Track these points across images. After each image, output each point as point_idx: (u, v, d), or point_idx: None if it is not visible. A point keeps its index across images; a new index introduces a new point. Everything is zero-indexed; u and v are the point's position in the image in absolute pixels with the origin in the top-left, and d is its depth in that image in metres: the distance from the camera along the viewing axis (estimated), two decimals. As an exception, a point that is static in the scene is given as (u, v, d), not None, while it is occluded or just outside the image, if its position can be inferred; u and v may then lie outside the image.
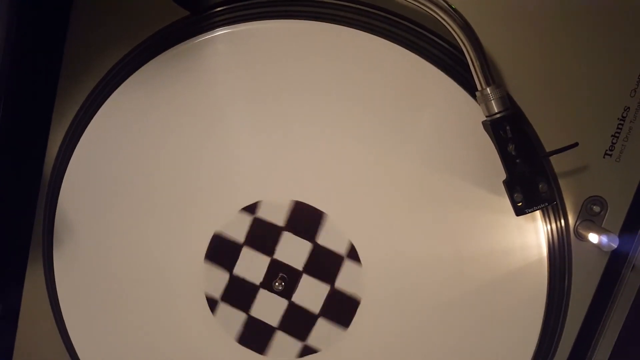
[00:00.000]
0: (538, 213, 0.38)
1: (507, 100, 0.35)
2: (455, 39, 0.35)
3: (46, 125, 0.41)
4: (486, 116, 0.35)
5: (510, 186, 0.35)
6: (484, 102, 0.35)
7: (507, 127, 0.34)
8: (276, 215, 0.40)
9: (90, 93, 0.41)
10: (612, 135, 0.38)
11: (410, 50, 0.37)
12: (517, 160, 0.35)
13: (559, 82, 0.37)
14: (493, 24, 0.37)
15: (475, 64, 0.34)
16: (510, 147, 0.35)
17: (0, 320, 0.45)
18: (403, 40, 0.38)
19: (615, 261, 0.39)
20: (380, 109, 0.38)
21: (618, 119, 0.38)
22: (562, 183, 0.38)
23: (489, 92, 0.34)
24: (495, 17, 0.37)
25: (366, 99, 0.38)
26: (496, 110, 0.34)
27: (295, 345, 0.41)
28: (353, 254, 0.40)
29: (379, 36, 0.38)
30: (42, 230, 0.42)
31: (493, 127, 0.35)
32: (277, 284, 0.40)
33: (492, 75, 0.35)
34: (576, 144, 0.35)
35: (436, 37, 0.38)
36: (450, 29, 0.35)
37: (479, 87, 0.35)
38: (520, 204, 0.35)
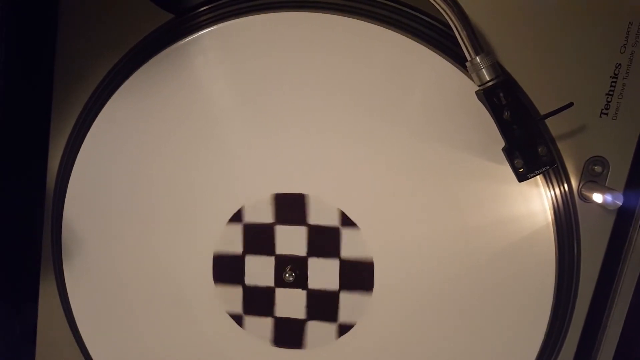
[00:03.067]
0: (540, 178, 0.38)
1: (498, 68, 0.35)
2: (440, 13, 0.35)
3: (45, 140, 0.42)
4: (478, 86, 0.35)
5: (510, 153, 0.35)
6: (475, 71, 0.35)
7: (501, 94, 0.35)
8: (262, 214, 0.40)
9: (86, 104, 0.41)
10: (606, 94, 0.38)
11: (395, 30, 0.37)
12: (514, 127, 0.35)
13: (547, 46, 0.37)
14: (476, -5, 0.37)
15: (462, 34, 0.34)
16: (506, 114, 0.35)
17: (19, 340, 0.45)
18: (387, 21, 0.38)
19: (623, 219, 0.39)
20: (370, 92, 0.38)
21: (610, 77, 0.38)
22: (561, 146, 0.38)
23: (479, 61, 0.34)
24: (478, -13, 0.37)
25: (354, 84, 0.38)
26: (488, 79, 0.35)
27: (330, 328, 0.41)
28: (346, 221, 0.40)
29: (362, 19, 0.38)
30: (51, 244, 0.42)
31: (487, 95, 0.35)
32: (287, 275, 0.40)
33: (480, 44, 0.35)
34: (571, 104, 0.35)
35: (420, 13, 0.38)
36: (436, 4, 0.35)
37: (468, 57, 0.35)
38: (521, 169, 0.35)
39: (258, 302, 0.41)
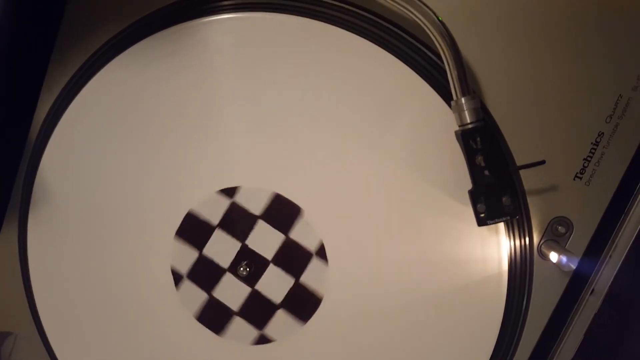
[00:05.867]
0: (502, 227, 0.38)
1: (480, 112, 0.35)
2: (437, 48, 0.35)
3: (37, 89, 0.42)
4: (459, 126, 0.36)
5: (475, 196, 0.36)
6: (458, 111, 0.35)
7: (478, 139, 0.35)
8: (254, 203, 0.41)
9: (84, 63, 0.42)
10: (584, 159, 0.38)
11: (398, 58, 0.38)
12: (485, 172, 0.36)
13: (537, 100, 0.38)
14: (478, 37, 0.38)
15: (453, 74, 0.35)
16: (479, 159, 0.35)
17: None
18: (392, 47, 0.39)
19: (577, 284, 0.39)
20: (363, 111, 0.39)
21: (591, 143, 0.38)
22: (530, 200, 0.39)
23: (463, 102, 0.35)
24: (481, 30, 0.38)
25: (351, 101, 0.39)
26: (468, 121, 0.35)
27: (252, 332, 0.42)
28: (321, 253, 0.40)
29: (368, 40, 0.38)
30: (21, 192, 0.43)
31: (464, 137, 0.35)
32: (241, 268, 0.41)
33: (468, 86, 0.35)
34: (543, 162, 0.36)
35: (419, 42, 0.38)
36: (434, 40, 0.35)
37: (454, 97, 0.35)
38: (483, 214, 0.36)
39: (205, 274, 0.42)
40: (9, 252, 0.44)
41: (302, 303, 0.41)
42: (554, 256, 0.38)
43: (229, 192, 0.41)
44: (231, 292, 0.42)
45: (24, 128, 0.43)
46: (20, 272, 0.44)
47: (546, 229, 0.39)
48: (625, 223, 0.37)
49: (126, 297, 0.43)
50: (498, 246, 0.38)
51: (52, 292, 0.43)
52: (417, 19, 0.35)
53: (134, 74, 0.40)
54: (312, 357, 0.42)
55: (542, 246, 0.39)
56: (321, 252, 0.40)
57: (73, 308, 0.43)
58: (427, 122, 0.38)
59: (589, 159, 0.38)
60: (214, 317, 0.42)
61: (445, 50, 0.35)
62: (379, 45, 0.38)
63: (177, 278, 0.42)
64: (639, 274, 0.42)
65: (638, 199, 0.37)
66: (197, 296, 0.42)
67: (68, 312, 0.43)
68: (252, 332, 0.42)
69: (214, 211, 0.41)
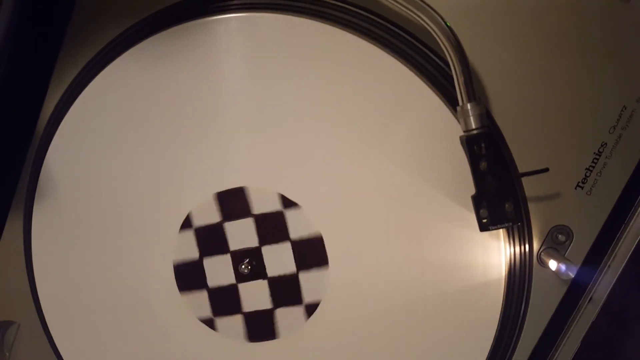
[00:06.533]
0: (503, 233, 0.39)
1: (485, 118, 0.36)
2: (444, 53, 0.36)
3: (45, 84, 0.43)
4: (464, 131, 0.36)
5: (478, 202, 0.36)
6: (463, 117, 0.36)
7: (482, 144, 0.35)
8: (209, 215, 0.41)
9: (92, 59, 0.42)
10: (586, 168, 0.39)
11: (403, 62, 0.38)
12: (489, 178, 0.36)
13: (541, 108, 0.38)
14: (484, 44, 0.38)
15: (459, 79, 0.35)
16: (483, 164, 0.36)
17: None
18: (397, 51, 0.39)
19: (575, 293, 0.40)
20: (365, 112, 0.39)
21: (594, 153, 0.38)
22: (531, 208, 0.39)
23: (469, 107, 0.35)
24: (487, 37, 0.38)
25: (353, 102, 0.39)
26: (474, 127, 0.36)
27: (298, 310, 0.42)
28: (286, 202, 0.40)
29: (373, 43, 0.39)
30: (27, 184, 0.43)
31: (468, 142, 0.36)
32: (243, 267, 0.41)
33: (474, 92, 0.36)
34: (547, 169, 0.36)
35: (425, 47, 0.39)
36: (441, 45, 0.36)
37: (460, 102, 0.36)
38: (485, 220, 0.36)
39: (225, 301, 0.42)
40: (14, 242, 0.44)
41: (311, 252, 0.41)
42: (553, 264, 0.38)
43: (187, 223, 0.41)
44: (255, 295, 0.42)
45: (31, 122, 0.43)
46: (24, 262, 0.44)
47: (546, 236, 0.39)
48: (625, 234, 0.38)
49: (128, 291, 0.43)
50: (498, 252, 0.39)
51: (54, 283, 0.44)
52: (424, 24, 0.36)
53: (139, 71, 0.40)
54: (313, 354, 0.42)
55: (542, 253, 0.39)
56: (286, 202, 0.40)
57: (75, 299, 0.44)
58: (430, 126, 0.39)
59: (591, 168, 0.39)
60: (261, 327, 0.42)
61: (452, 56, 0.35)
62: (384, 49, 0.38)
63: (209, 323, 0.43)
64: (637, 284, 0.42)
65: (638, 211, 0.37)
66: (235, 324, 0.43)
67: (70, 303, 0.44)
68: (299, 310, 0.42)
69: (189, 248, 0.42)
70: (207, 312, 0.43)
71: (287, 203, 0.40)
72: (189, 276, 0.42)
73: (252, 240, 0.41)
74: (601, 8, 0.37)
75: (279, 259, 0.41)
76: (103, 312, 0.44)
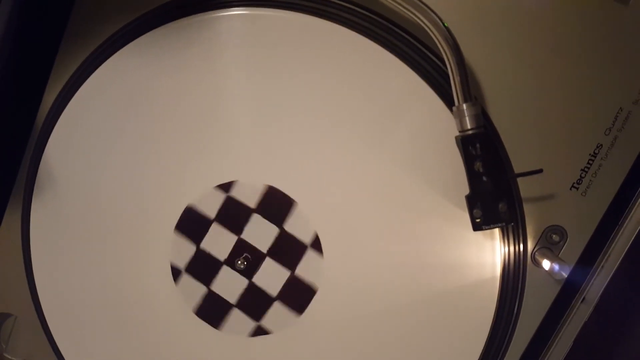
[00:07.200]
0: (497, 233, 0.39)
1: (481, 119, 0.36)
2: (441, 53, 0.36)
3: (45, 77, 0.43)
4: (459, 131, 0.36)
5: (472, 202, 0.36)
6: (459, 117, 0.36)
7: (477, 145, 0.36)
8: (249, 196, 0.41)
9: (92, 52, 0.42)
10: (581, 170, 0.39)
11: (402, 61, 0.39)
12: (483, 178, 0.36)
13: (538, 109, 0.38)
14: (482, 45, 0.38)
15: (455, 79, 0.36)
16: (478, 165, 0.36)
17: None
18: (397, 50, 0.39)
19: (568, 293, 0.40)
20: (365, 111, 0.39)
21: (590, 154, 0.39)
22: (526, 208, 0.39)
23: (465, 108, 0.36)
24: (485, 38, 0.38)
25: (353, 100, 0.39)
26: (469, 127, 0.36)
27: (249, 324, 0.43)
28: (316, 245, 0.41)
29: (374, 41, 0.39)
30: (25, 177, 0.44)
31: (464, 142, 0.36)
32: (239, 262, 0.42)
33: (470, 92, 0.36)
34: (541, 170, 0.36)
35: (424, 46, 0.39)
36: (438, 45, 0.36)
37: (456, 102, 0.36)
38: (478, 220, 0.36)
39: (203, 267, 0.43)
40: (12, 235, 0.45)
41: (298, 295, 0.42)
42: (546, 264, 0.38)
43: (225, 187, 0.41)
44: (229, 285, 0.42)
45: (31, 116, 0.43)
46: (22, 255, 0.45)
47: (541, 236, 0.39)
48: (619, 235, 0.38)
49: (125, 286, 0.44)
50: (492, 251, 0.39)
51: (52, 276, 0.44)
52: (422, 24, 0.36)
53: (138, 66, 0.41)
54: (309, 348, 0.42)
55: (536, 253, 0.40)
56: (316, 244, 0.41)
57: (73, 291, 0.44)
58: (427, 125, 0.39)
59: (586, 169, 0.39)
60: (213, 310, 0.43)
61: (449, 56, 0.36)
62: (384, 47, 0.39)
63: (176, 273, 0.43)
64: (630, 285, 0.43)
65: (633, 212, 0.38)
66: (196, 290, 0.43)
67: (67, 295, 0.44)
68: (250, 324, 0.43)
69: (211, 205, 0.42)
70: (182, 262, 0.43)
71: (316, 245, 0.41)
72: (192, 225, 0.42)
73: (263, 245, 0.42)
74: (598, 10, 0.37)
75: (271, 277, 0.42)
76: (100, 304, 0.44)
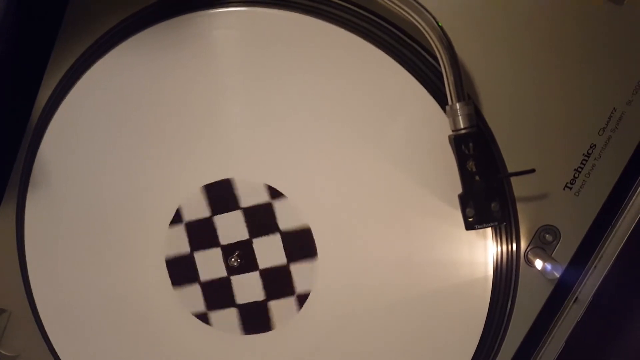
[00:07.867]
0: (490, 232, 0.39)
1: (474, 118, 0.36)
2: (435, 52, 0.36)
3: (40, 73, 0.43)
4: (452, 130, 0.36)
5: (464, 201, 0.36)
6: (452, 116, 0.36)
7: (470, 144, 0.36)
8: (199, 209, 0.41)
9: (87, 49, 0.42)
10: (575, 169, 0.39)
11: (396, 61, 0.39)
12: (476, 177, 0.36)
13: (532, 109, 0.38)
14: (476, 45, 0.38)
15: (449, 78, 0.36)
16: (470, 164, 0.36)
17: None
18: (392, 50, 0.39)
19: (561, 292, 0.40)
20: (358, 110, 0.39)
21: (583, 154, 0.39)
22: (519, 207, 0.39)
23: (458, 107, 0.36)
24: (479, 38, 0.38)
25: (346, 99, 0.39)
26: (462, 126, 0.36)
27: (290, 301, 0.42)
28: (274, 193, 0.41)
29: (368, 41, 0.39)
30: (20, 173, 0.44)
31: (456, 142, 0.36)
32: (232, 260, 0.42)
33: (463, 92, 0.36)
34: (533, 170, 0.36)
35: (419, 45, 0.39)
36: (432, 44, 0.36)
37: (449, 102, 0.36)
38: (471, 219, 0.36)
39: (218, 295, 0.43)
40: (7, 231, 0.45)
41: (300, 244, 0.41)
42: (539, 264, 0.38)
43: (176, 218, 0.42)
44: (248, 288, 0.42)
45: (26, 111, 0.43)
46: (16, 250, 0.45)
47: (534, 236, 0.40)
48: (612, 235, 0.38)
49: (119, 281, 0.44)
50: (485, 251, 0.39)
51: (46, 272, 0.44)
52: (416, 23, 0.36)
53: (134, 63, 0.41)
54: (304, 346, 0.42)
55: (529, 253, 0.40)
56: (273, 193, 0.41)
57: (66, 287, 0.44)
58: (421, 125, 0.39)
59: (579, 169, 0.39)
60: (256, 319, 0.43)
61: (442, 55, 0.36)
62: (379, 47, 0.39)
63: (203, 318, 0.43)
64: (623, 284, 0.43)
65: (625, 212, 0.38)
66: (229, 317, 0.43)
67: (61, 291, 0.44)
68: (290, 301, 0.42)
69: (180, 243, 0.42)
70: (201, 306, 0.43)
71: (275, 193, 0.41)
72: (181, 271, 0.42)
73: (242, 234, 0.42)
74: (593, 10, 0.37)
75: (269, 251, 0.42)
76: (94, 300, 0.44)
